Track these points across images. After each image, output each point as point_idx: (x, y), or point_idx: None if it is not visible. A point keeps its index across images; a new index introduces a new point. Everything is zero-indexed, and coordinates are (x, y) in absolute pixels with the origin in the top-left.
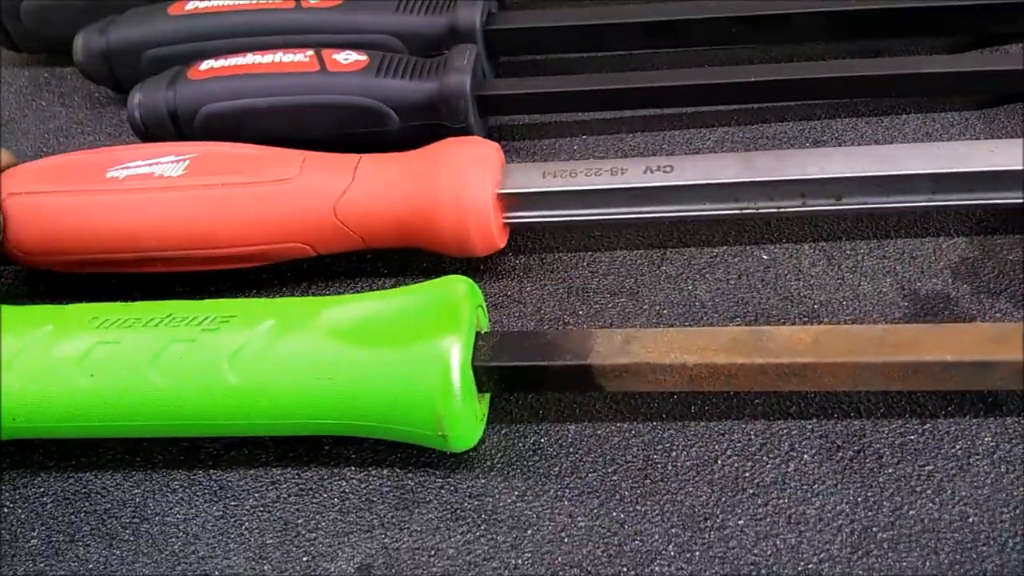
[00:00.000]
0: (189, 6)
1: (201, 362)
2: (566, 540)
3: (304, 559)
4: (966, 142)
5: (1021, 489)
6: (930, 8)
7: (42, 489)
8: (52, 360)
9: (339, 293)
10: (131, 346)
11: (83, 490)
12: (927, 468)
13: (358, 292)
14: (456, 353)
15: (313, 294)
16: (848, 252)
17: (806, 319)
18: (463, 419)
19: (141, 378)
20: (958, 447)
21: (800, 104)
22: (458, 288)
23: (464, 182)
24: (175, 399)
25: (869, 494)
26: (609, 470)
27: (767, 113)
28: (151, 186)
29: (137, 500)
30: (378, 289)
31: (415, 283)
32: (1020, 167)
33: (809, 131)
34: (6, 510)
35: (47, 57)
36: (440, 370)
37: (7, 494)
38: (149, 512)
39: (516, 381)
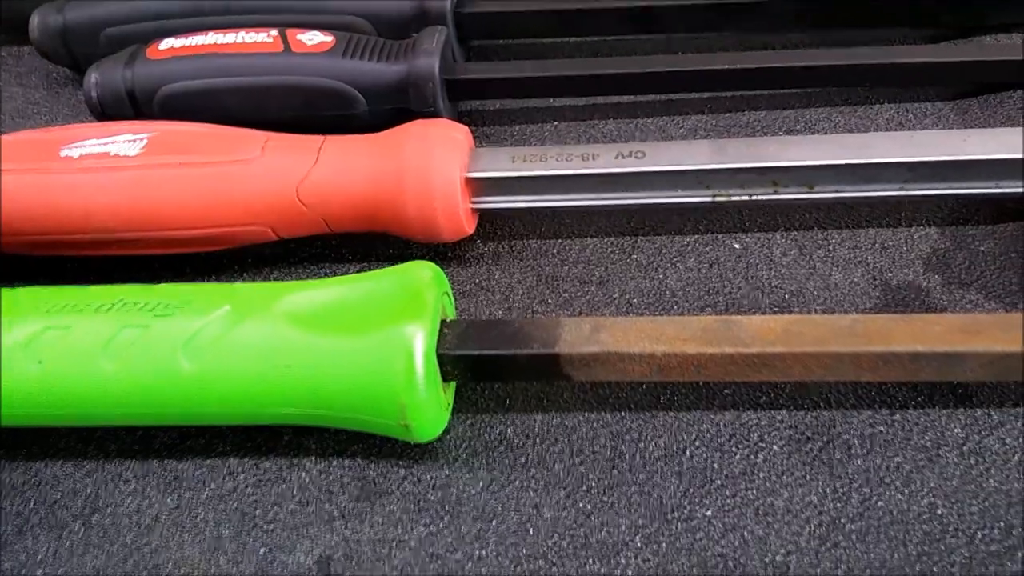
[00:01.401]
0: None
1: (154, 349)
2: (531, 531)
3: (261, 551)
4: (939, 131)
5: (990, 481)
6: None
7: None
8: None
9: (302, 279)
10: (81, 332)
11: (32, 480)
12: (896, 459)
13: (321, 278)
14: (420, 341)
15: (275, 279)
16: (820, 241)
17: (777, 309)
18: (427, 409)
19: (92, 365)
20: (927, 438)
21: (774, 93)
22: (423, 274)
23: (431, 165)
24: (127, 387)
25: (838, 485)
26: (576, 460)
27: (740, 101)
28: (106, 165)
29: (88, 490)
30: (342, 275)
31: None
32: (993, 156)
33: (783, 120)
34: None
35: (2, 36)
36: (403, 358)
37: None
38: (101, 503)
39: (482, 370)
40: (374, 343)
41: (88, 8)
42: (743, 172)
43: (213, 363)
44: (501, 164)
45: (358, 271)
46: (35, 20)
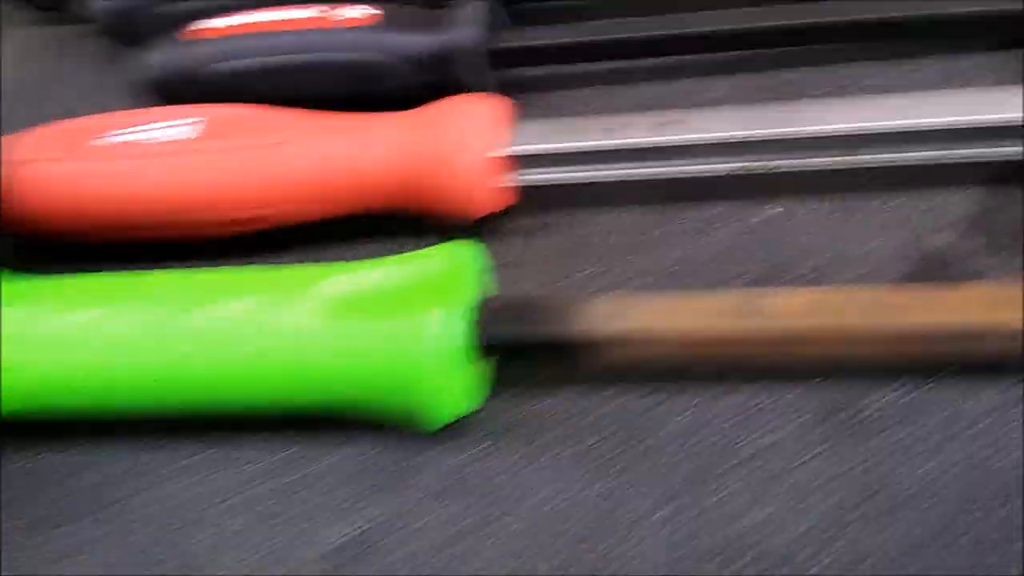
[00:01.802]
0: None
1: (182, 336)
2: (557, 509)
3: (282, 537)
4: (982, 89)
5: (1016, 452)
6: None
7: (18, 468)
8: (30, 335)
9: (333, 258)
10: (112, 321)
11: (64, 470)
12: (922, 430)
13: (354, 253)
14: (435, 327)
15: (306, 259)
16: (858, 206)
17: (814, 274)
18: (447, 396)
19: (123, 354)
20: (946, 413)
21: (815, 49)
22: (450, 256)
23: (467, 143)
24: (156, 376)
25: (864, 456)
26: (598, 439)
27: (783, 58)
28: (155, 150)
29: (115, 478)
30: (375, 255)
31: (424, 245)
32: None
33: (826, 78)
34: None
35: (59, 16)
36: (417, 347)
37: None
38: (140, 485)
39: (513, 352)
40: (394, 330)
41: None
42: (784, 139)
43: (242, 349)
44: (542, 138)
45: (390, 250)
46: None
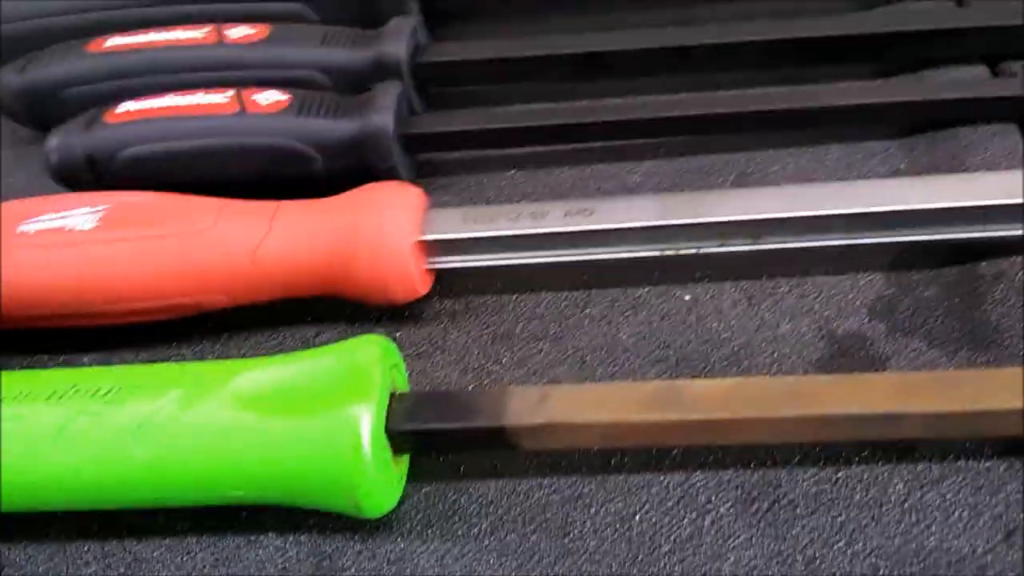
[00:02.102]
0: (108, 43)
1: (106, 436)
2: None
3: None
4: (881, 180)
5: (931, 539)
6: (853, 36)
7: None
8: None
9: (259, 344)
10: (34, 421)
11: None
12: (840, 519)
13: (277, 343)
14: (367, 421)
15: (232, 345)
16: (768, 291)
17: (727, 361)
18: (377, 487)
19: (44, 454)
20: (870, 495)
21: (724, 137)
22: (370, 350)
23: (383, 230)
24: (80, 475)
25: (783, 547)
26: (529, 529)
27: (693, 145)
28: (61, 241)
29: (50, 574)
30: (299, 338)
31: (332, 335)
32: (934, 205)
33: (734, 163)
34: None
35: None
36: (351, 440)
37: None
38: None
39: (431, 444)
40: (322, 425)
41: (48, 68)
42: (689, 227)
43: (164, 448)
44: (453, 225)
45: (315, 334)
46: None
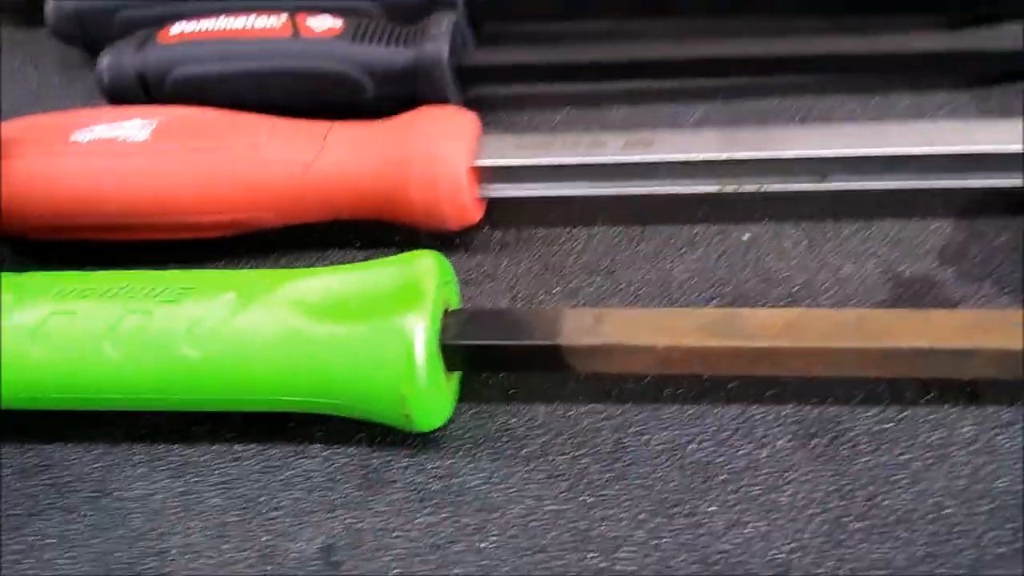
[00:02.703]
0: None
1: (158, 335)
2: (533, 524)
3: (265, 538)
4: (953, 121)
5: (998, 481)
6: None
7: (0, 461)
8: (7, 330)
9: (308, 265)
10: (85, 317)
11: (43, 463)
12: (904, 457)
13: (325, 264)
14: (420, 331)
15: (281, 265)
16: (831, 233)
17: (787, 301)
18: (428, 399)
19: (96, 351)
20: (936, 436)
21: (787, 80)
22: (425, 263)
23: (437, 153)
24: (131, 373)
25: (843, 483)
26: (579, 453)
27: (753, 88)
28: (114, 150)
29: (97, 474)
30: (348, 262)
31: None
32: (1010, 149)
33: (796, 107)
34: None
35: (15, 16)
36: (403, 348)
37: None
38: (110, 486)
39: (484, 360)
40: (375, 332)
41: None
42: (753, 162)
43: (216, 350)
44: (508, 152)
45: (364, 258)
46: (50, 4)
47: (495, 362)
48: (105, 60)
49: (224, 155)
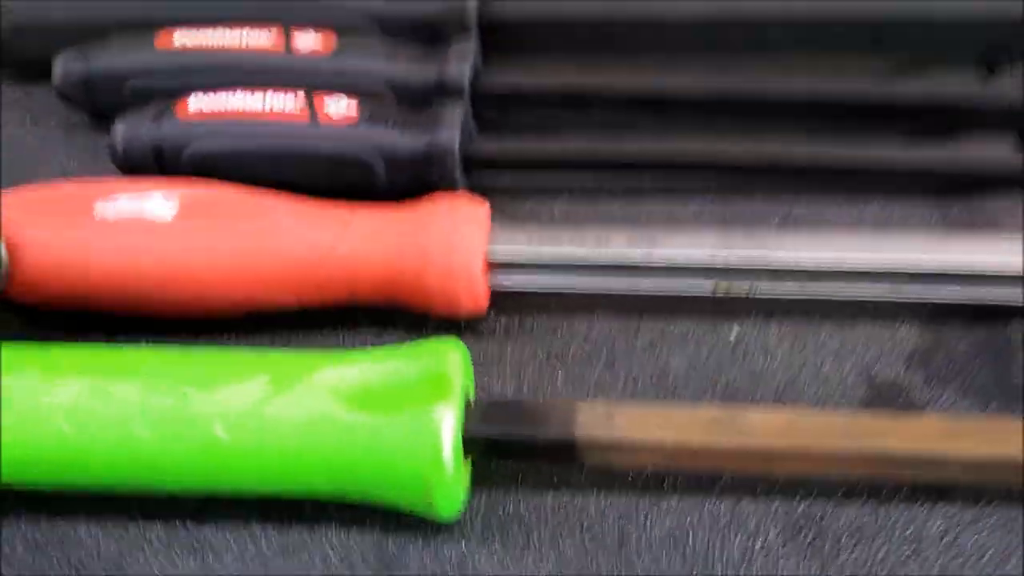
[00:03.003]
0: (177, 41)
1: (191, 417)
2: None
3: None
4: (926, 237)
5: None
6: (889, 100)
7: (11, 532)
8: (37, 405)
9: (319, 345)
10: (119, 396)
11: (56, 538)
12: (881, 552)
13: (341, 344)
14: (448, 423)
15: (292, 343)
16: (812, 333)
17: (773, 397)
18: (451, 488)
19: (127, 432)
20: (910, 532)
21: (776, 182)
22: (453, 354)
23: (455, 244)
24: (160, 455)
25: (830, 574)
26: (586, 539)
27: (740, 187)
28: (140, 229)
29: (113, 552)
30: (358, 343)
31: (403, 339)
32: (974, 266)
33: (778, 209)
34: None
35: (15, 73)
36: (432, 439)
37: None
38: (126, 564)
39: (502, 451)
40: (404, 422)
41: (114, 59)
42: (745, 267)
43: (247, 435)
44: (519, 245)
45: (373, 339)
46: (58, 66)
47: (511, 452)
48: (120, 129)
49: (248, 238)
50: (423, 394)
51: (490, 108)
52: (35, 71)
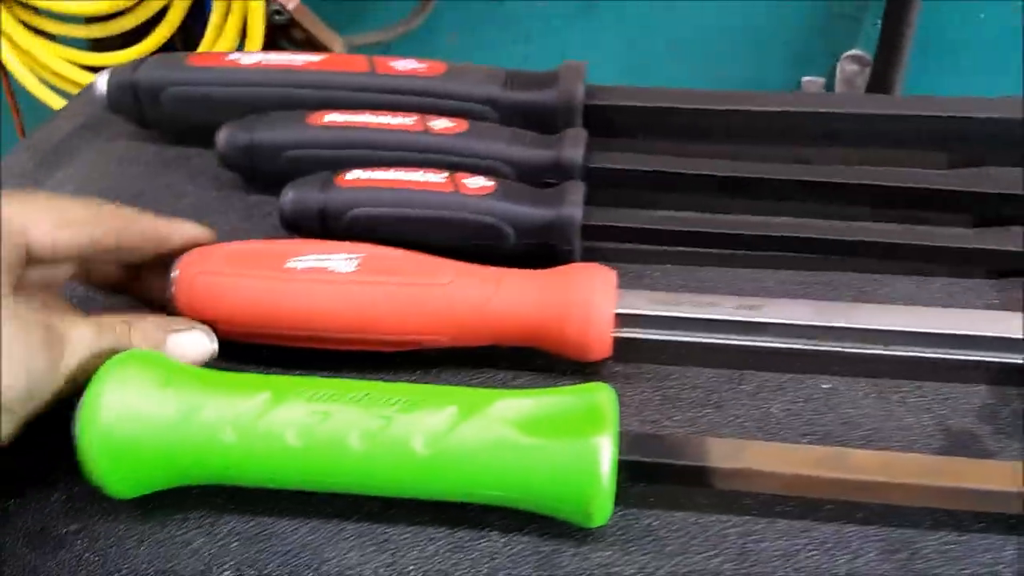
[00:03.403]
0: (327, 118)
1: (395, 435)
2: None
3: None
4: (989, 311)
5: None
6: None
7: (228, 529)
8: (269, 423)
9: (463, 379)
10: (338, 417)
11: (264, 532)
12: (965, 573)
13: (480, 380)
14: (607, 448)
15: (440, 376)
16: (893, 389)
17: (863, 443)
18: (606, 501)
19: (345, 446)
20: (988, 557)
21: (845, 258)
22: (609, 394)
23: (592, 302)
24: (370, 465)
25: None
26: (712, 553)
27: (817, 262)
28: (325, 279)
29: (315, 544)
30: (498, 380)
31: (525, 381)
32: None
33: (853, 282)
34: (196, 545)
35: (168, 137)
36: (595, 461)
37: (195, 532)
38: (327, 556)
39: (648, 474)
40: (573, 447)
41: (274, 132)
42: (840, 330)
43: (443, 450)
44: (643, 305)
45: (511, 378)
46: (223, 134)
47: (655, 477)
48: (290, 194)
49: (418, 291)
50: (587, 425)
51: (598, 186)
52: (187, 134)
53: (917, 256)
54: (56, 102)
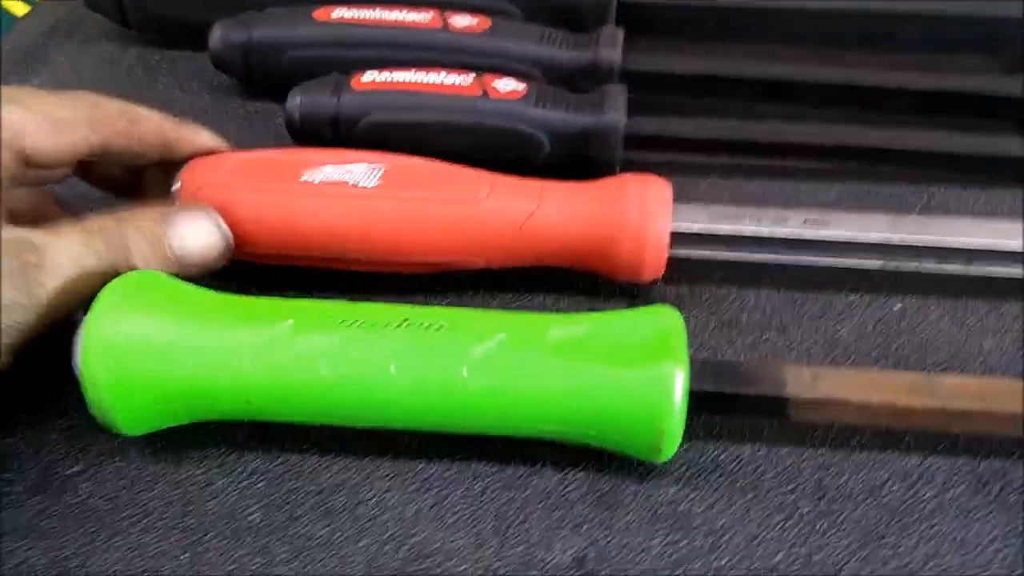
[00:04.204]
0: (335, 14)
1: (440, 363)
2: (759, 548)
3: (520, 548)
4: None
5: None
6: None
7: (251, 468)
8: (297, 352)
9: (501, 303)
10: (374, 343)
11: (292, 471)
12: None
13: (519, 305)
14: (680, 377)
15: (475, 300)
16: (970, 311)
17: (941, 368)
18: (677, 434)
19: (383, 374)
20: None
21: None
22: (676, 318)
23: (648, 217)
24: (415, 396)
25: (1019, 522)
26: (787, 488)
27: (884, 173)
28: (348, 194)
29: (350, 484)
30: (536, 303)
31: (568, 304)
32: None
33: (917, 195)
34: (218, 486)
35: (151, 37)
36: (668, 391)
37: (216, 471)
38: (363, 496)
39: (719, 405)
40: (642, 376)
41: (274, 29)
42: (913, 247)
43: (494, 381)
44: (702, 221)
45: (552, 301)
46: (217, 33)
47: (728, 407)
48: (297, 99)
49: (449, 206)
50: (656, 352)
51: (637, 90)
52: (172, 36)
53: (985, 168)
54: (19, 8)
